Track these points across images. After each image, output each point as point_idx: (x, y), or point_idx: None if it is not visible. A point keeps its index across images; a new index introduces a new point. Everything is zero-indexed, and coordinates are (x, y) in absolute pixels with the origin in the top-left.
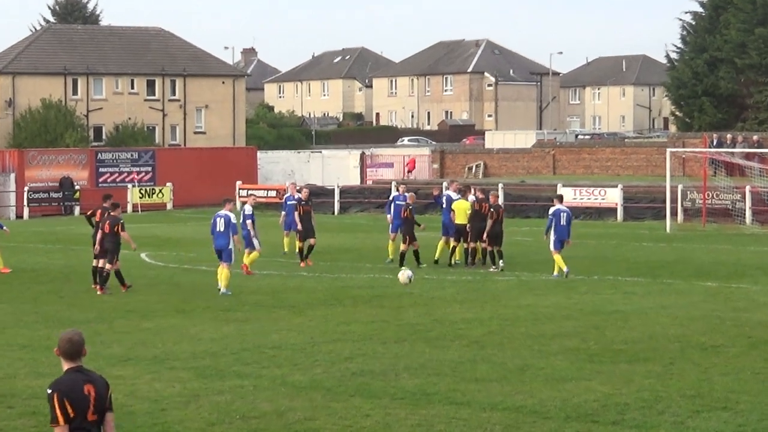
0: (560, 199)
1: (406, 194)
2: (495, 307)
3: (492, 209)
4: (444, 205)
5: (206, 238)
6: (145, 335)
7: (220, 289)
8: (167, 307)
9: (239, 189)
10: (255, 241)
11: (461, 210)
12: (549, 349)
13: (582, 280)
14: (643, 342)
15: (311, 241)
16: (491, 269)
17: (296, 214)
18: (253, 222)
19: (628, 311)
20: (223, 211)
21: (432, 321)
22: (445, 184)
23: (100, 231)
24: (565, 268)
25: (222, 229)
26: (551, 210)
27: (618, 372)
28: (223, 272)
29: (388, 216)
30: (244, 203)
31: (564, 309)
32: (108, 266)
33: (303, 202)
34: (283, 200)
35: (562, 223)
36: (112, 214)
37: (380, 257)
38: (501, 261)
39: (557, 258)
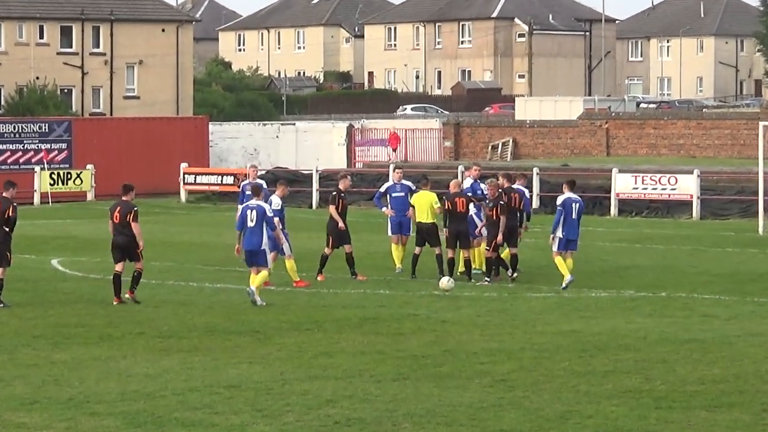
0: (571, 185)
1: (404, 182)
2: (528, 334)
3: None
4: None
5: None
6: (59, 370)
7: (254, 300)
8: (88, 332)
9: (184, 174)
10: (286, 245)
11: (423, 204)
12: (600, 390)
13: (645, 297)
14: (727, 382)
15: (347, 248)
16: (486, 280)
17: (333, 208)
18: (282, 219)
19: (707, 340)
20: (254, 201)
21: (443, 352)
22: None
23: (110, 222)
24: (568, 277)
25: (253, 225)
26: (560, 200)
27: (693, 421)
28: (257, 277)
29: (385, 210)
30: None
31: (621, 337)
32: (139, 265)
33: (342, 195)
34: (240, 188)
35: (572, 217)
36: (123, 199)
37: (373, 266)
38: (510, 271)
39: (558, 261)
